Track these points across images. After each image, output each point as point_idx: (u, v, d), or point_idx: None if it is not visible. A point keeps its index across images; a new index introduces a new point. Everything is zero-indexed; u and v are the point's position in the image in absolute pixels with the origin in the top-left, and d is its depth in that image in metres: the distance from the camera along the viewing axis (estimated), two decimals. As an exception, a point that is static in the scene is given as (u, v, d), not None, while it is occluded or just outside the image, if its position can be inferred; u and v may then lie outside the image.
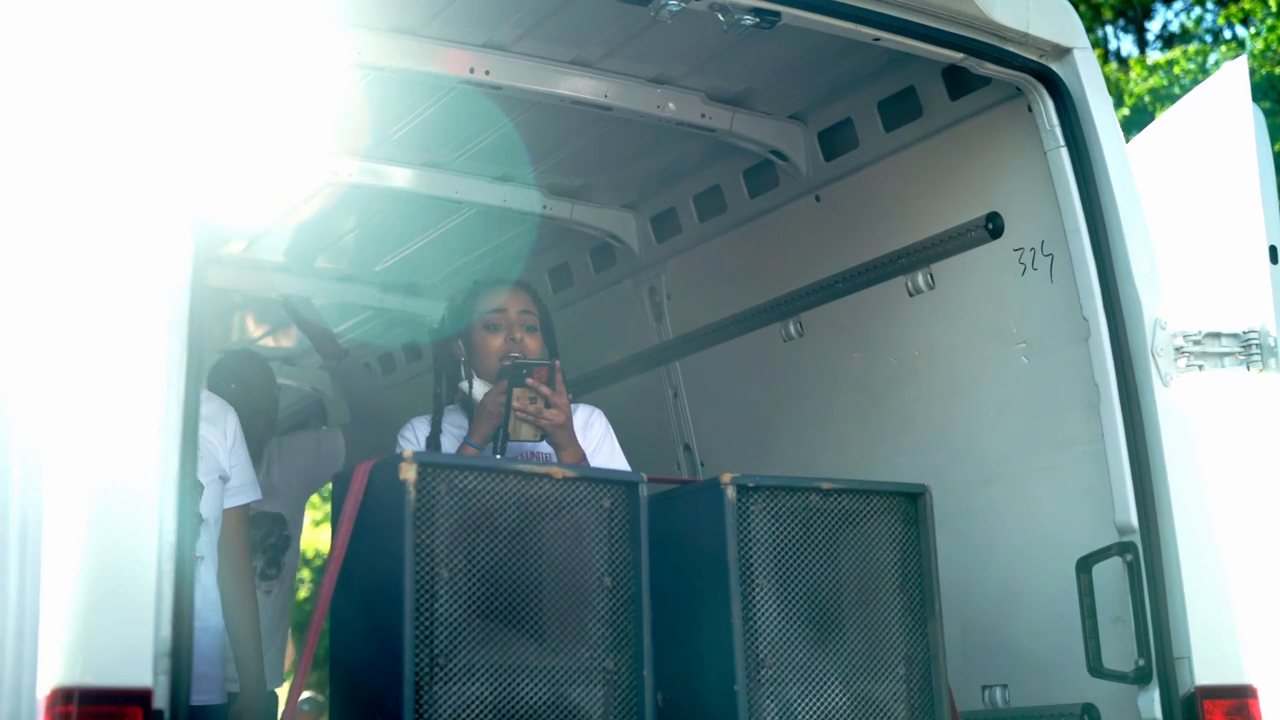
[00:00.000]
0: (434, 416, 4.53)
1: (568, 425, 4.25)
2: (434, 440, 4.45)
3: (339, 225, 6.54)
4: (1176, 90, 16.46)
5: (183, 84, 3.42)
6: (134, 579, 3.06)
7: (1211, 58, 18.56)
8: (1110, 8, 22.86)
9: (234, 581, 4.57)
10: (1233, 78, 4.65)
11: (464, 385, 4.48)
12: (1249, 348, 4.32)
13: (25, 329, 3.24)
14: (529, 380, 4.18)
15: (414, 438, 4.49)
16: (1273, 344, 4.32)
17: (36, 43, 3.44)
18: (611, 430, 4.55)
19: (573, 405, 4.50)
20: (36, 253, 3.28)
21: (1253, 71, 16.63)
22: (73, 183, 3.31)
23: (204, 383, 6.33)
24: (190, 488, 3.15)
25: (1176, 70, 17.85)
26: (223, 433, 4.55)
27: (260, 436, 6.18)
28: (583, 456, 4.27)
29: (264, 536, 6.19)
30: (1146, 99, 17.28)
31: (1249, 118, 4.59)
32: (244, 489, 4.65)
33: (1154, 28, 24.26)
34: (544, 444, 4.27)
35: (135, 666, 3.01)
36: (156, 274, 3.27)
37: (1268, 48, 17.40)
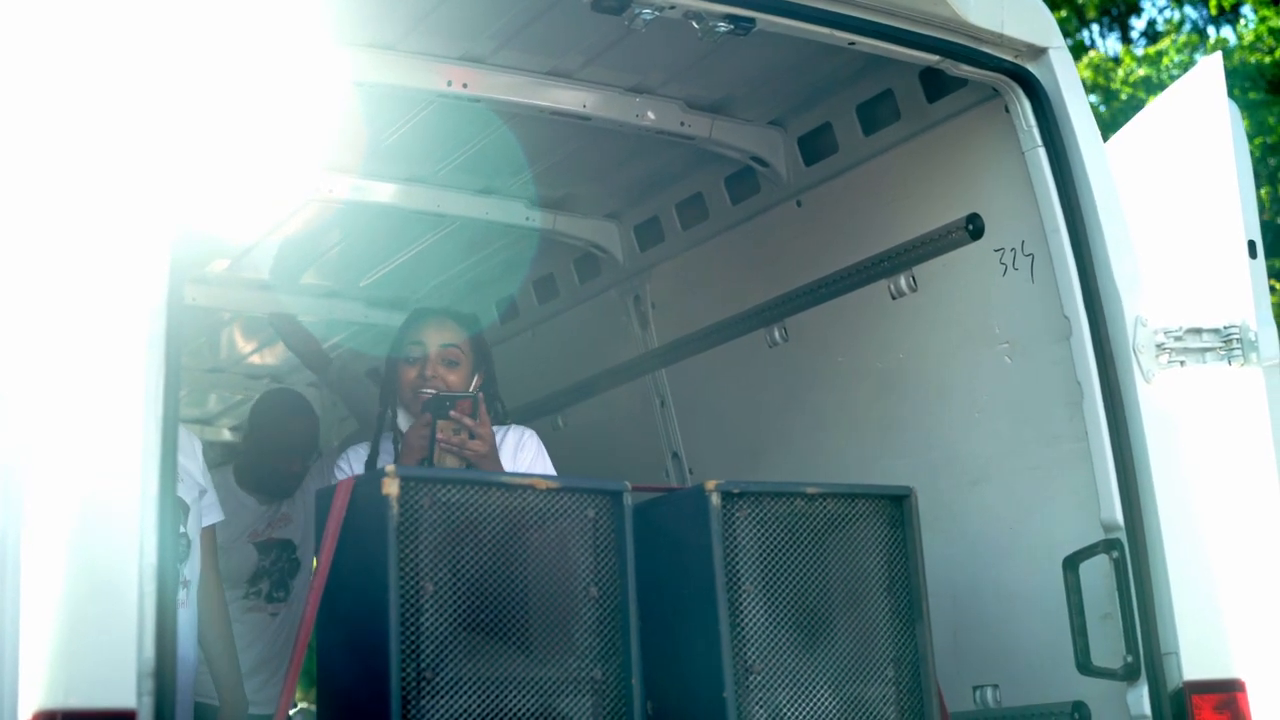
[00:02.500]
0: (373, 440, 4.64)
1: (492, 455, 4.34)
2: (372, 465, 4.52)
3: (323, 241, 6.54)
4: (1166, 80, 16.50)
5: (162, 103, 3.43)
6: (116, 600, 3.06)
7: (1199, 52, 18.60)
8: (1094, 6, 22.89)
9: (207, 599, 4.58)
10: (1209, 74, 4.66)
11: (389, 414, 4.59)
12: (1230, 343, 4.32)
13: (3, 349, 3.23)
14: (452, 413, 4.25)
15: (348, 467, 4.60)
16: (1253, 339, 4.33)
17: (17, 56, 3.45)
18: (544, 451, 4.63)
19: (504, 428, 4.61)
20: (14, 273, 3.28)
21: (1242, 62, 16.67)
22: (51, 202, 3.31)
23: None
24: (171, 507, 3.15)
25: (1165, 61, 17.89)
26: (192, 453, 4.56)
27: (296, 473, 6.19)
28: None
29: (274, 561, 6.19)
30: (1140, 94, 17.33)
31: (1226, 113, 4.60)
32: (212, 509, 4.67)
33: (1139, 25, 24.27)
34: None
35: (119, 688, 3.01)
36: (135, 293, 3.27)
37: (1257, 38, 17.44)
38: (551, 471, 4.58)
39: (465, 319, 4.71)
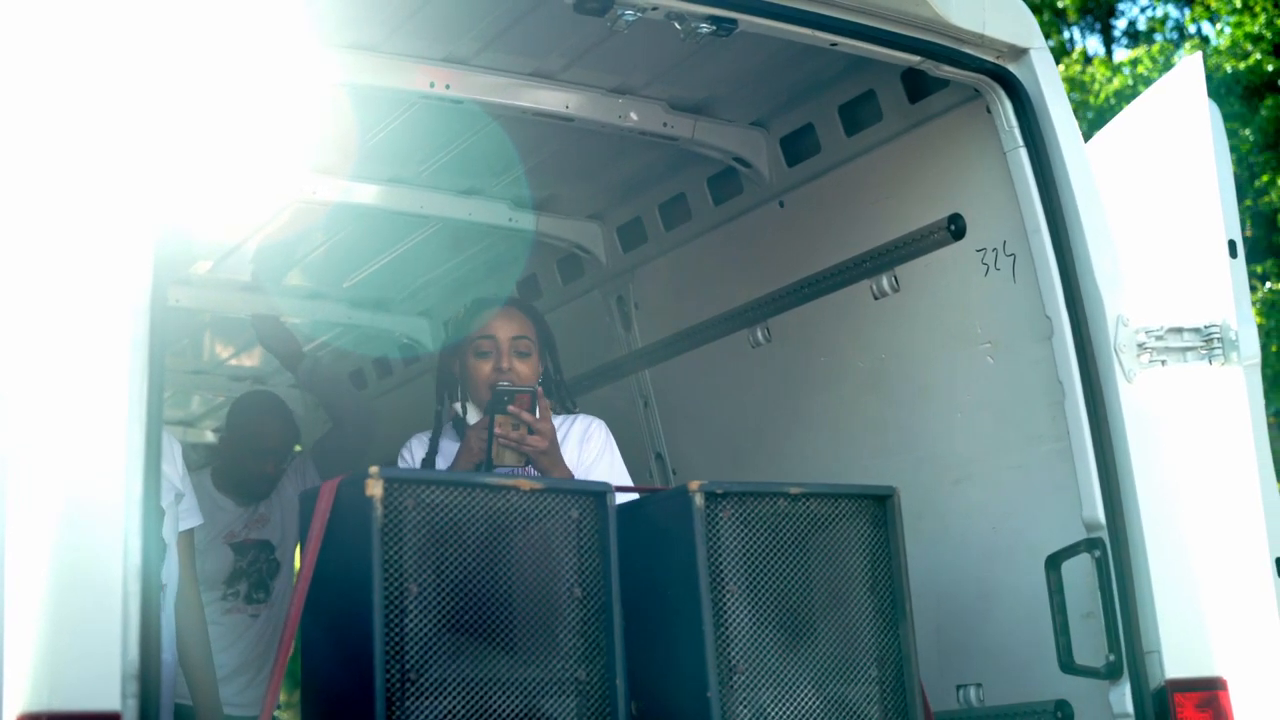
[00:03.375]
0: (433, 435, 4.56)
1: (552, 450, 4.27)
2: (429, 462, 4.48)
3: (306, 242, 6.53)
4: (1141, 89, 16.55)
5: (145, 104, 3.43)
6: (100, 601, 3.06)
7: (1177, 54, 18.64)
8: (1075, 9, 22.95)
9: (184, 603, 4.58)
10: (1189, 74, 4.68)
11: (456, 407, 4.53)
12: (1210, 342, 4.34)
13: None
14: (510, 408, 4.21)
15: (410, 458, 4.54)
16: (1234, 338, 4.35)
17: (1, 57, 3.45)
18: (612, 440, 4.58)
19: (572, 417, 4.56)
20: (-4, 277, 3.28)
21: (1217, 67, 16.72)
22: (35, 203, 3.31)
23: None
24: (155, 509, 3.15)
25: (1140, 69, 17.94)
26: (171, 457, 4.55)
27: (271, 475, 6.19)
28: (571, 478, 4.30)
29: (251, 562, 6.19)
30: (1112, 100, 17.36)
31: (1206, 112, 4.62)
32: (190, 513, 4.67)
33: (1120, 25, 24.32)
34: (530, 469, 4.29)
35: (104, 690, 3.01)
36: (118, 295, 3.27)
37: (1233, 44, 17.49)
38: (619, 461, 4.54)
39: (530, 307, 4.66)
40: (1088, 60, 20.25)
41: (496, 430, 4.21)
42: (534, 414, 4.24)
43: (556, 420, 4.53)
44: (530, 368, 4.48)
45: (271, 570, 6.25)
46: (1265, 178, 16.48)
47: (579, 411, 4.67)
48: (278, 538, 6.26)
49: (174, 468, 4.54)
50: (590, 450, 4.48)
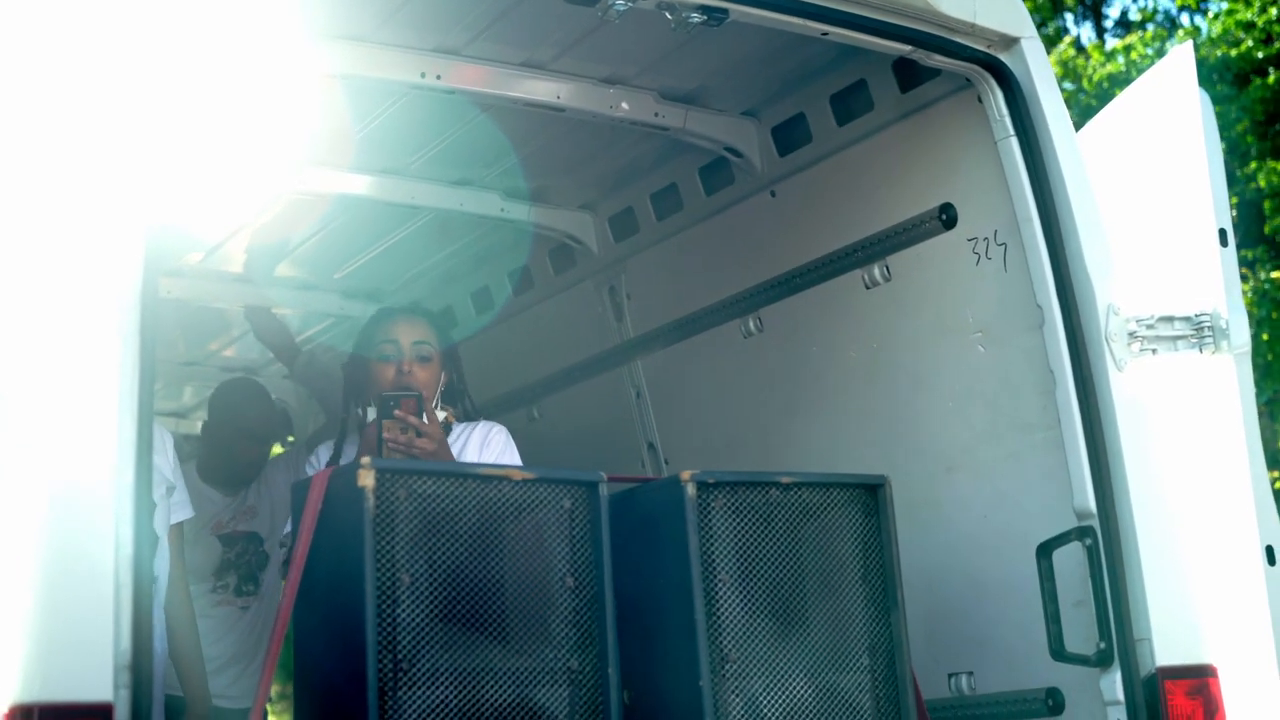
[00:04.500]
0: (337, 440, 4.66)
1: (440, 453, 4.35)
2: (335, 464, 4.51)
3: (298, 233, 6.52)
4: (1133, 75, 16.56)
5: (136, 96, 3.42)
6: (92, 593, 3.06)
7: (1170, 41, 18.67)
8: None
9: (174, 596, 4.59)
10: (1180, 63, 4.68)
11: (358, 412, 4.60)
12: (1201, 330, 4.35)
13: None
14: (396, 412, 4.26)
15: (317, 462, 4.64)
16: (1224, 326, 4.36)
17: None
18: (513, 445, 4.64)
19: (472, 423, 4.63)
20: (-13, 269, 3.28)
21: (1209, 55, 16.72)
22: (26, 196, 3.31)
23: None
24: (146, 500, 3.16)
25: (1134, 55, 17.95)
26: (162, 449, 4.55)
27: (254, 460, 6.19)
28: None
29: (239, 554, 6.18)
30: (1105, 85, 17.39)
31: (1196, 102, 4.62)
32: (182, 505, 4.67)
33: (1113, 14, 24.35)
34: None
35: (95, 681, 3.01)
36: (110, 287, 3.27)
37: (1225, 31, 17.50)
38: (519, 463, 4.59)
39: (432, 315, 4.74)
40: (1080, 48, 20.25)
41: (385, 435, 4.26)
42: (420, 418, 4.28)
43: (459, 427, 4.62)
44: (430, 373, 4.56)
45: (260, 562, 6.25)
46: (1254, 164, 16.49)
47: (480, 420, 4.72)
48: (266, 530, 6.26)
49: (165, 460, 4.53)
50: (490, 455, 4.55)
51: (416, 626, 3.47)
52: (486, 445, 4.58)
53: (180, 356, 8.06)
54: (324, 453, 4.69)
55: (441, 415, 4.56)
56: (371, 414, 4.50)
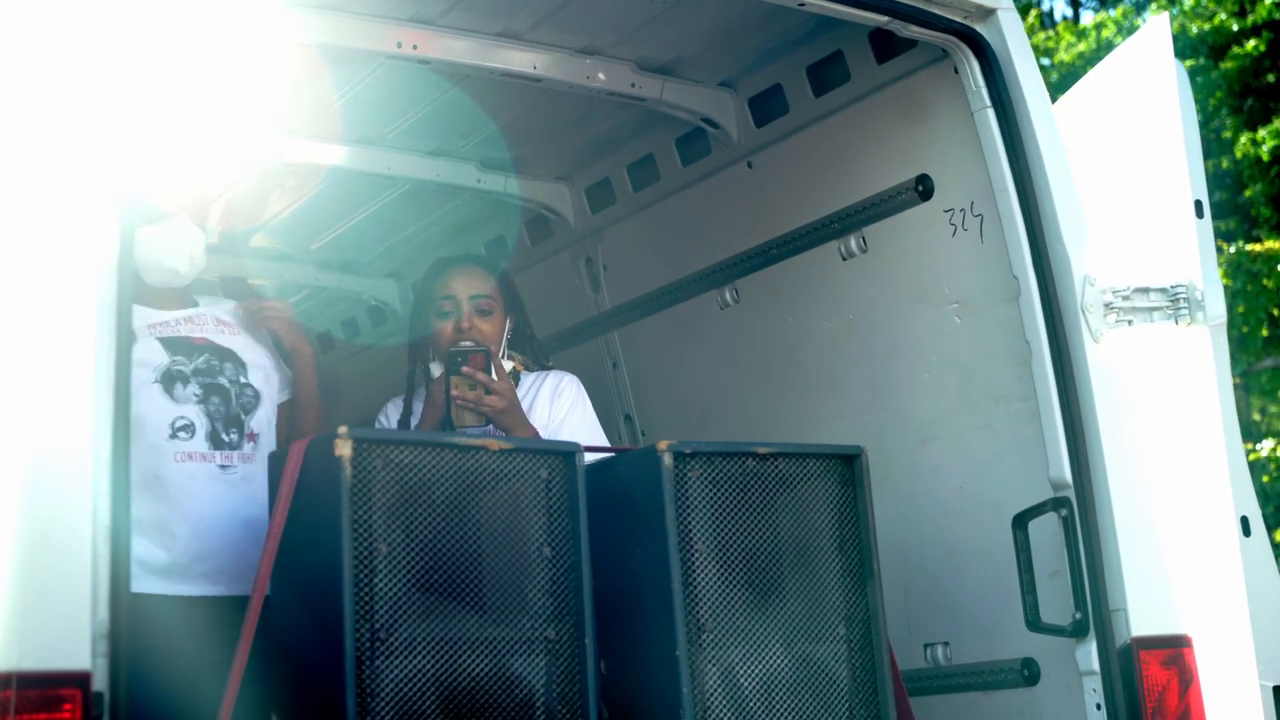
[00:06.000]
0: (405, 397, 4.57)
1: (511, 409, 4.28)
2: (404, 424, 4.48)
3: (273, 204, 6.50)
4: (1104, 55, 16.60)
5: (106, 64, 3.40)
6: (69, 561, 3.05)
7: (1141, 17, 18.68)
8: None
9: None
10: (1155, 34, 4.69)
11: (424, 369, 4.54)
12: (1177, 302, 4.37)
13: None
14: (464, 369, 4.21)
15: (386, 421, 4.58)
16: (1200, 298, 4.37)
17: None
18: (584, 395, 4.59)
19: (543, 373, 4.56)
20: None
21: (1183, 28, 16.75)
22: (-2, 168, 3.29)
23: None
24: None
25: (1105, 34, 17.97)
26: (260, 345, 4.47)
27: None
28: (535, 436, 4.30)
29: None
30: (1079, 63, 17.41)
31: (1172, 73, 4.63)
32: (287, 384, 4.53)
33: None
34: (491, 429, 4.29)
35: (73, 649, 3.01)
36: (85, 258, 3.26)
37: (1198, 4, 17.53)
38: (590, 416, 4.56)
39: (490, 263, 4.65)
40: (1052, 24, 20.25)
41: (454, 392, 4.22)
42: (489, 374, 4.24)
43: (529, 377, 4.55)
44: (493, 325, 4.49)
45: None
46: (1228, 134, 16.53)
47: (553, 367, 4.68)
48: None
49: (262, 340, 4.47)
50: (561, 406, 4.49)
51: (394, 596, 3.46)
52: (557, 397, 4.52)
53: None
54: (393, 410, 4.60)
55: (509, 365, 4.51)
56: (436, 369, 4.46)
